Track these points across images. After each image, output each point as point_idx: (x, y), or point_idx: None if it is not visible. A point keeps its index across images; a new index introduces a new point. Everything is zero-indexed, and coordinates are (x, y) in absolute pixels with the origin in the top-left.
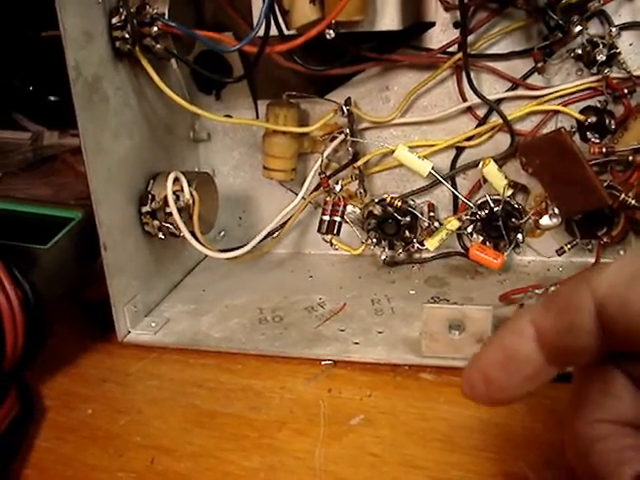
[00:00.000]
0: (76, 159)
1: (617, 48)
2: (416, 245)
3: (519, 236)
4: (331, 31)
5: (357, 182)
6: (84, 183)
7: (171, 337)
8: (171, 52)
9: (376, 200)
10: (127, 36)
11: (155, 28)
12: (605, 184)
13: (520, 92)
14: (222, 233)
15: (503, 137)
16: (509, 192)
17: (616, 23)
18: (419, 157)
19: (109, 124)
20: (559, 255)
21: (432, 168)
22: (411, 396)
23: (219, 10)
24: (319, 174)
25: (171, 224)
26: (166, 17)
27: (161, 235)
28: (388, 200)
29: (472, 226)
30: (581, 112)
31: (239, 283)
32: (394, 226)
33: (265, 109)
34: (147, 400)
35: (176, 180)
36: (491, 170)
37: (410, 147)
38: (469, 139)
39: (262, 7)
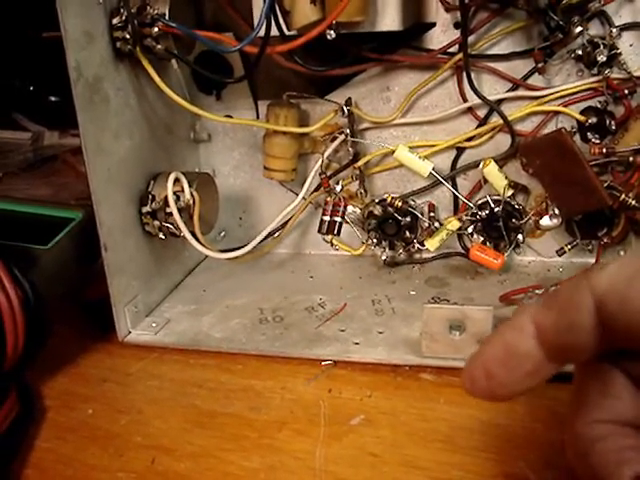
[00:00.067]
0: (76, 159)
1: (618, 49)
2: (416, 245)
3: (519, 236)
4: (332, 32)
5: (357, 182)
6: (84, 183)
7: (171, 337)
8: (172, 52)
9: (376, 200)
10: (128, 37)
11: (156, 29)
12: (605, 185)
13: (521, 93)
14: (222, 233)
15: (504, 137)
16: (509, 192)
17: (617, 24)
18: (419, 157)
19: (110, 124)
20: (559, 255)
21: (432, 168)
22: (411, 396)
23: (219, 10)
24: (319, 174)
25: (171, 224)
26: (167, 17)
27: (161, 235)
28: (388, 200)
29: (472, 226)
30: (582, 113)
31: (239, 283)
32: (394, 226)
33: (266, 109)
34: (147, 400)
35: (176, 180)
36: (491, 170)
37: (410, 147)
38: (470, 139)
39: (263, 7)
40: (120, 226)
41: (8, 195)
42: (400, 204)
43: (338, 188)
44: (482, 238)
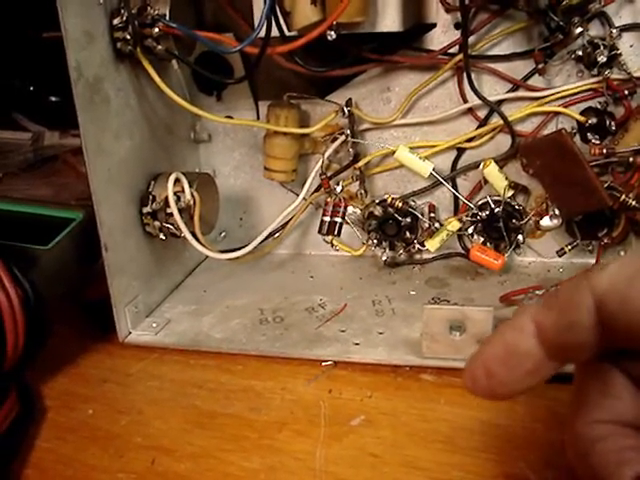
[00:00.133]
0: (77, 159)
1: (618, 49)
2: (417, 246)
3: (520, 237)
4: (332, 32)
5: (358, 183)
6: (85, 183)
7: (172, 338)
8: (172, 53)
9: (377, 201)
10: (128, 37)
11: (156, 29)
12: (605, 185)
13: (521, 93)
14: (223, 234)
15: (504, 138)
16: (510, 193)
17: (617, 24)
18: (420, 158)
19: (110, 125)
20: (560, 256)
21: (433, 169)
22: (412, 397)
23: (220, 11)
24: (320, 175)
25: (172, 225)
26: (167, 18)
27: (162, 236)
28: (389, 201)
29: (473, 227)
30: (582, 113)
31: (240, 284)
32: (395, 227)
33: (266, 110)
34: (148, 400)
35: (177, 181)
36: (492, 171)
37: (411, 148)
38: (470, 140)
39: (263, 8)
40: (120, 226)
41: (8, 195)
42: (400, 205)
43: (338, 189)
44: (482, 239)
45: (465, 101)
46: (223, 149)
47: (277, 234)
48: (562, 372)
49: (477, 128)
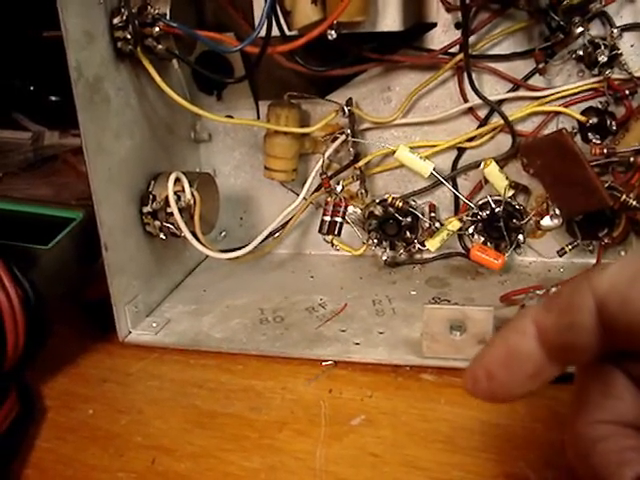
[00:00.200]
0: (77, 159)
1: (618, 49)
2: (417, 246)
3: (520, 237)
4: (333, 32)
5: (358, 183)
6: (85, 183)
7: (172, 337)
8: (172, 52)
9: (377, 201)
10: (128, 36)
11: (157, 28)
12: (606, 185)
13: (521, 93)
14: (223, 233)
15: (504, 138)
16: (510, 193)
17: (617, 24)
18: (420, 158)
19: (110, 124)
20: (560, 256)
21: (433, 169)
22: (412, 397)
23: (220, 10)
24: (320, 174)
25: (172, 224)
26: (167, 17)
27: (162, 235)
28: (389, 201)
29: (473, 227)
30: (582, 113)
31: (240, 283)
32: (395, 227)
33: (266, 109)
34: (148, 400)
35: (177, 180)
36: (492, 171)
37: (411, 148)
38: (470, 140)
39: (264, 7)
40: (121, 226)
41: (8, 195)
42: (401, 204)
43: (339, 188)
44: (483, 238)
45: (465, 101)
46: (223, 149)
47: (277, 234)
48: (563, 370)
49: (477, 128)
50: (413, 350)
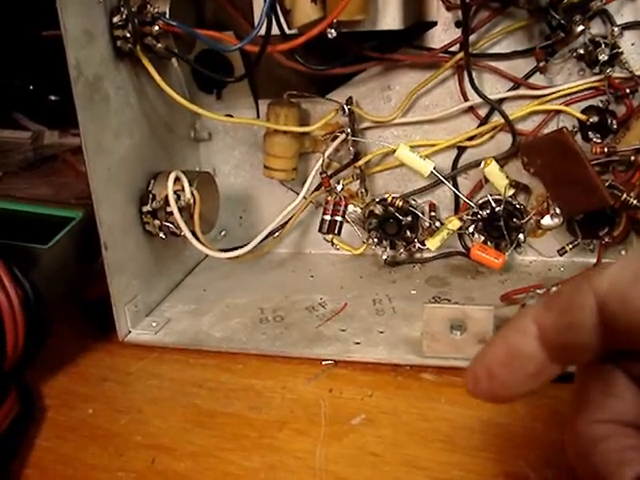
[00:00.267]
0: (76, 158)
1: (619, 48)
2: (417, 245)
3: (520, 236)
4: (333, 30)
5: (358, 182)
6: (85, 182)
7: (172, 337)
8: (172, 51)
9: (377, 200)
10: (128, 35)
11: (156, 27)
12: (607, 184)
13: (522, 92)
14: (223, 233)
15: (505, 137)
16: (510, 192)
17: (618, 23)
18: (420, 157)
19: (110, 123)
20: (560, 255)
21: (433, 168)
22: (412, 396)
23: (220, 9)
24: (320, 173)
25: (172, 223)
26: (167, 16)
27: (162, 235)
28: (389, 200)
29: (473, 226)
30: (583, 112)
31: (240, 283)
32: (395, 226)
33: (266, 108)
34: (147, 399)
35: (177, 179)
36: (492, 170)
37: (411, 147)
38: (471, 139)
39: (263, 6)
40: (120, 225)
41: (8, 194)
42: (401, 203)
43: (339, 187)
44: (483, 237)
45: (466, 99)
46: (223, 148)
47: (277, 233)
48: (564, 370)
49: (478, 127)
50: (413, 349)
